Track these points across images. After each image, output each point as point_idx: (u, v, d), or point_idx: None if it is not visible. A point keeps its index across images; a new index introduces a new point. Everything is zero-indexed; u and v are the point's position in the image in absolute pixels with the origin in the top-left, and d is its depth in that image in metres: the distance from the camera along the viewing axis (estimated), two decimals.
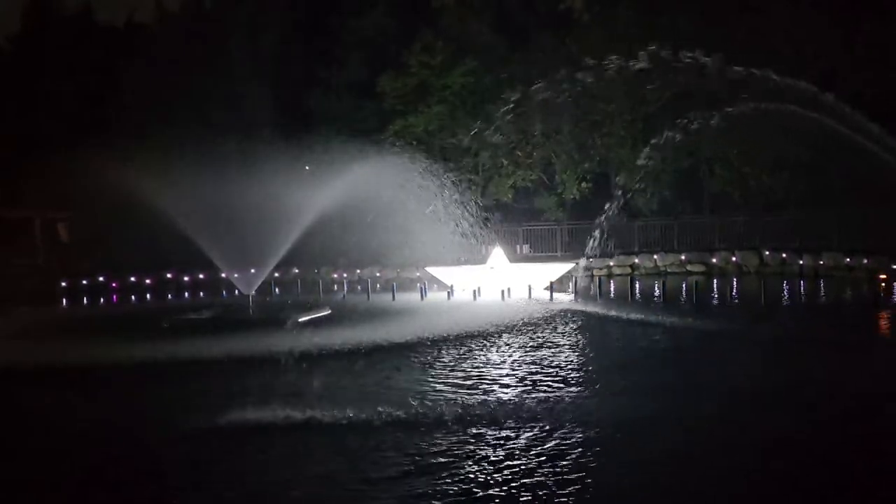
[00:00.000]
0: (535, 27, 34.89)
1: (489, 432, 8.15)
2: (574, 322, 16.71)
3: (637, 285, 24.42)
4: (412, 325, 16.52)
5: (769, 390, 9.96)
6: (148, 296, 28.36)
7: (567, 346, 13.66)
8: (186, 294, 28.37)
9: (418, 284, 23.84)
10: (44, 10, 39.81)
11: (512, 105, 20.01)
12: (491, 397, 9.83)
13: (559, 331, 15.47)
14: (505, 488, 6.57)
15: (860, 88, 23.53)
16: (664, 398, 9.54)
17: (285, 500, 6.81)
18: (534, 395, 9.79)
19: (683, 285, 24.13)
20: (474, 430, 8.22)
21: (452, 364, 12.12)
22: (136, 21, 42.25)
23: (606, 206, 21.09)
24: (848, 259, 24.42)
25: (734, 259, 28.34)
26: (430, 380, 11.03)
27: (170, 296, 27.90)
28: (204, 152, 24.56)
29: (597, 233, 21.02)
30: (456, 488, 6.63)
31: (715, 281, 25.56)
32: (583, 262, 23.86)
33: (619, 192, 23.10)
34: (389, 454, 7.58)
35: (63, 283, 30.26)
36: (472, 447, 7.68)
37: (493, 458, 7.31)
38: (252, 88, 35.31)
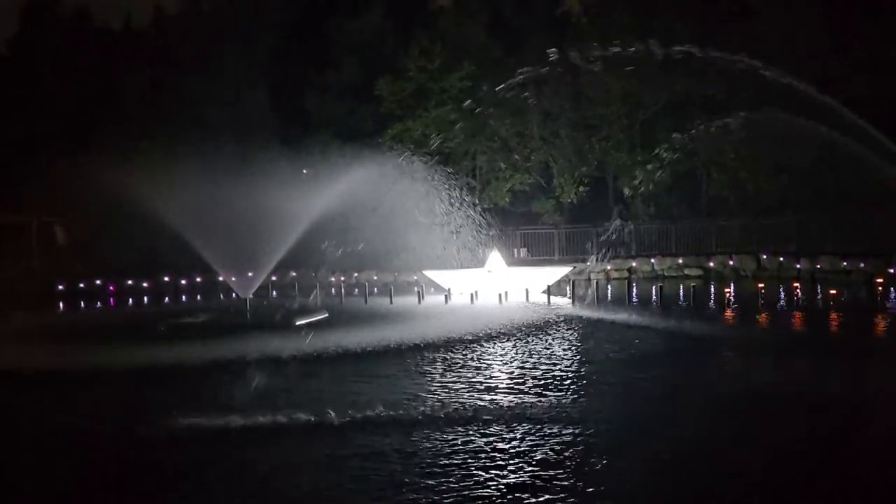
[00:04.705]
0: (531, 31, 34.96)
1: (487, 433, 8.17)
2: (572, 326, 16.72)
3: (634, 289, 24.42)
4: (409, 328, 16.51)
5: (768, 394, 9.98)
6: (145, 299, 28.32)
7: (565, 350, 13.67)
8: (183, 297, 28.30)
9: (416, 288, 23.83)
10: (41, 12, 39.75)
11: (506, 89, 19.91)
12: (490, 400, 9.82)
13: (558, 335, 15.47)
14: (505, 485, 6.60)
15: (855, 93, 23.61)
16: (665, 402, 9.56)
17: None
18: (534, 399, 9.80)
19: (681, 289, 24.15)
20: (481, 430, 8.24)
21: (450, 367, 12.11)
22: (133, 24, 42.24)
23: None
24: (844, 262, 24.47)
25: (731, 262, 28.39)
26: (427, 383, 11.02)
27: (167, 299, 27.86)
28: (201, 155, 24.56)
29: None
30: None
31: (712, 284, 25.57)
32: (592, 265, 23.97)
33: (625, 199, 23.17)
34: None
35: (59, 287, 30.19)
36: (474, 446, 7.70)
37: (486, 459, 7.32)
38: (248, 91, 35.35)
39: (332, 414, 8.97)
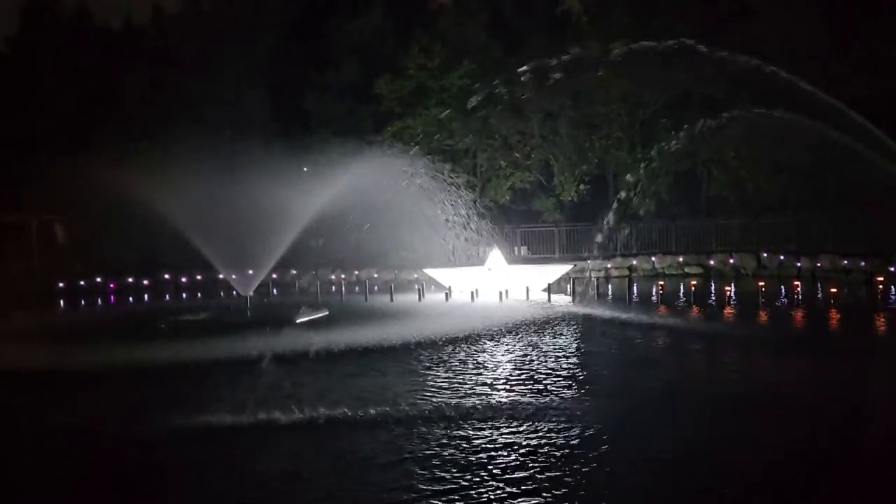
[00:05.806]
0: (531, 30, 34.93)
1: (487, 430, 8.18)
2: (572, 324, 16.71)
3: (634, 287, 24.39)
4: (410, 326, 16.52)
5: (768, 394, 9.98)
6: (145, 297, 28.32)
7: (565, 348, 13.66)
8: (184, 295, 28.30)
9: (416, 286, 23.82)
10: (41, 12, 39.72)
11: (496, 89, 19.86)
12: (490, 398, 9.83)
13: (558, 333, 15.47)
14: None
15: (855, 93, 23.60)
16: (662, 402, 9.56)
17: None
18: (535, 397, 9.80)
19: (681, 287, 24.14)
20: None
21: (450, 365, 12.12)
22: (132, 24, 42.18)
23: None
24: (845, 261, 24.46)
25: (731, 261, 28.38)
26: (428, 381, 11.02)
27: (167, 297, 27.84)
28: (201, 154, 24.56)
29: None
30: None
31: (712, 283, 25.56)
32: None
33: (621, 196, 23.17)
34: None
35: (60, 285, 30.18)
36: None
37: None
38: (248, 91, 35.31)
39: (334, 412, 8.97)
